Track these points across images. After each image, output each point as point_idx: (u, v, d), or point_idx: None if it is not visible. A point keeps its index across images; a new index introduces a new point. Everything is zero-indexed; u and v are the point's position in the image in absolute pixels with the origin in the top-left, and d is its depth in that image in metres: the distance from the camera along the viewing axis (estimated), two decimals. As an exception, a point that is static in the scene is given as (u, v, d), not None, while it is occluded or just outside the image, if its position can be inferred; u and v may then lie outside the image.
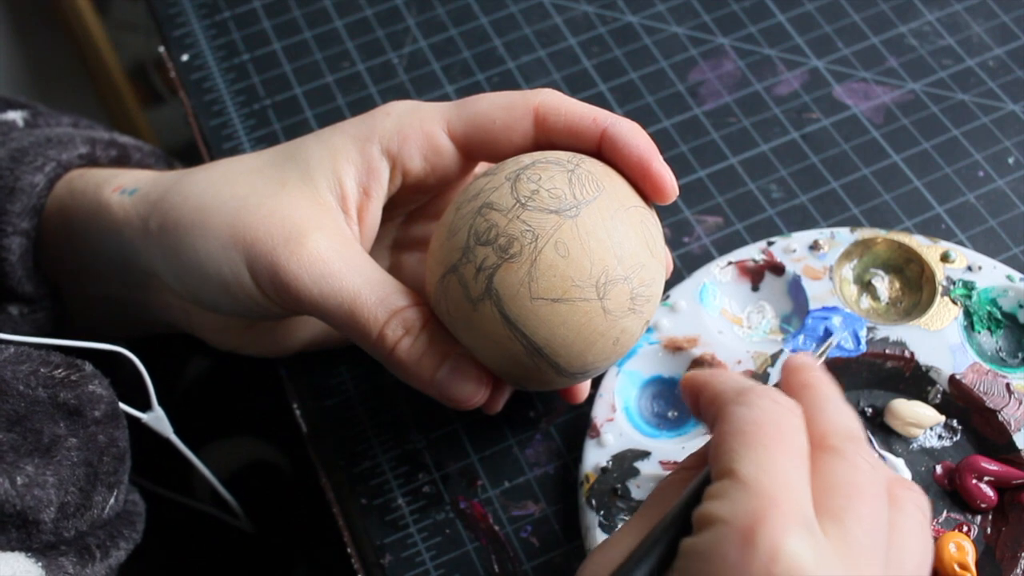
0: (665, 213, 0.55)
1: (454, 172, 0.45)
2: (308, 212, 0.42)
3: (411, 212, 0.49)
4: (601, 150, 0.42)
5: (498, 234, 0.39)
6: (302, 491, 0.60)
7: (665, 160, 0.53)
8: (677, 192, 0.42)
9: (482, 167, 0.48)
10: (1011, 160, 0.56)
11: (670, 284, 0.50)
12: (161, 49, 0.64)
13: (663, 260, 0.42)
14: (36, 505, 0.39)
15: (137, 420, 0.46)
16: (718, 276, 0.51)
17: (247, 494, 0.55)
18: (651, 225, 0.41)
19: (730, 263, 0.51)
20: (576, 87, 0.60)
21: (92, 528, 0.42)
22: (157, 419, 0.46)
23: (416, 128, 0.43)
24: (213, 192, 0.44)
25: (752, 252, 0.51)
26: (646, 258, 0.40)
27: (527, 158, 0.41)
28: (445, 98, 0.60)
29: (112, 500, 0.43)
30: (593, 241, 0.39)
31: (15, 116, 0.54)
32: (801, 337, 0.49)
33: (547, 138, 0.43)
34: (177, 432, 0.48)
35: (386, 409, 0.51)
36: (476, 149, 0.44)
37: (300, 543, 0.59)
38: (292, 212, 0.42)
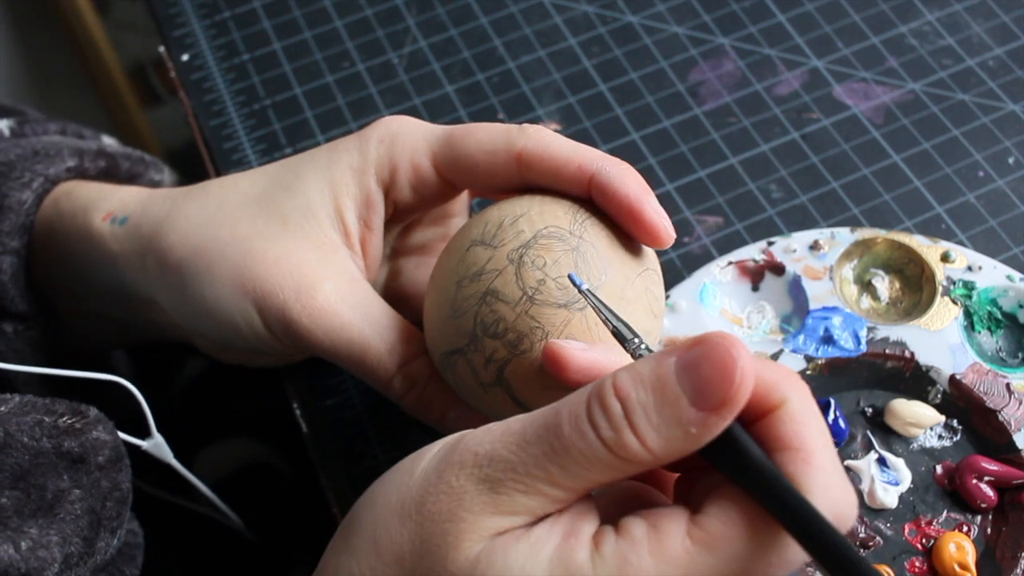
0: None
1: (442, 197, 0.45)
2: (315, 258, 0.42)
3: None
4: (591, 197, 0.40)
5: (507, 329, 0.38)
6: (302, 492, 0.60)
7: (665, 161, 0.53)
8: (673, 237, 0.40)
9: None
10: (1011, 160, 0.56)
11: (670, 284, 0.50)
12: (161, 49, 0.64)
13: (663, 315, 0.42)
14: (40, 566, 0.38)
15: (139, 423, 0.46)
16: (718, 276, 0.51)
17: (246, 496, 0.55)
18: (654, 287, 0.41)
19: (730, 263, 0.51)
20: (576, 87, 0.60)
21: (95, 573, 0.42)
22: (157, 446, 0.46)
23: (406, 159, 0.43)
24: (212, 232, 0.43)
25: (752, 252, 0.51)
26: (649, 324, 0.40)
27: (526, 227, 0.39)
28: (445, 99, 0.60)
29: (115, 541, 0.43)
30: (602, 331, 0.38)
31: (1, 125, 0.53)
32: (801, 337, 0.49)
33: (532, 181, 0.41)
34: (175, 433, 0.48)
35: (386, 409, 0.51)
36: (461, 184, 0.44)
37: (300, 544, 0.59)
38: (300, 260, 0.42)
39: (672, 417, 0.29)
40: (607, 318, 0.36)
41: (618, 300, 0.39)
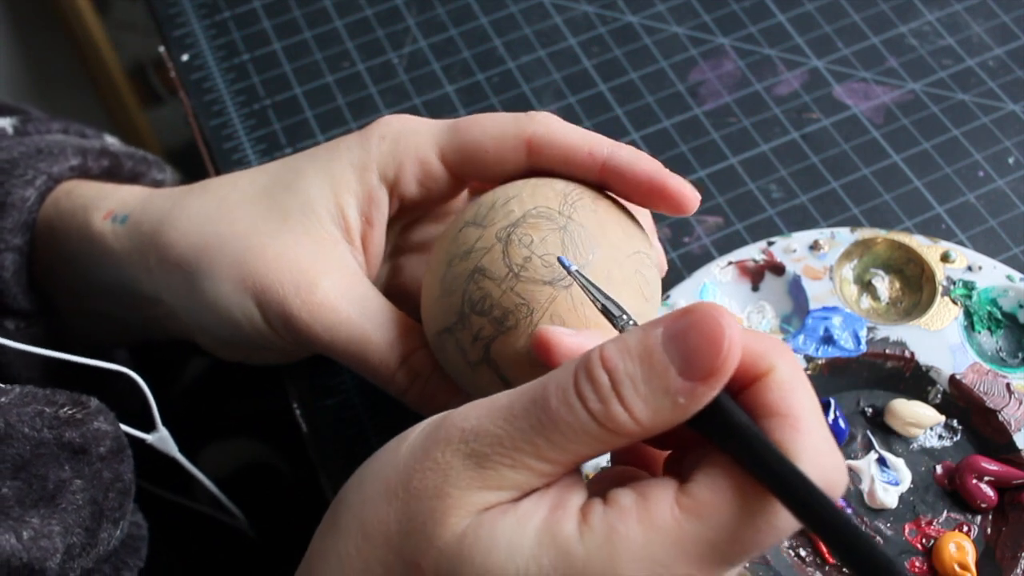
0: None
1: (448, 193, 0.45)
2: (315, 254, 0.42)
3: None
4: (604, 181, 0.41)
5: (492, 305, 0.39)
6: (302, 492, 0.60)
7: (665, 161, 0.53)
8: (699, 199, 0.40)
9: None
10: (1011, 160, 0.56)
11: (670, 284, 0.50)
12: (161, 49, 0.64)
13: (658, 301, 0.42)
14: (42, 556, 0.38)
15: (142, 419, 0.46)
16: (718, 276, 0.51)
17: (246, 496, 0.55)
18: (646, 270, 0.41)
19: (730, 263, 0.51)
20: (576, 87, 0.60)
21: (98, 564, 0.42)
22: (162, 439, 0.46)
23: (411, 154, 0.43)
24: (212, 228, 0.43)
25: (752, 252, 0.51)
26: (640, 307, 0.40)
27: (517, 207, 0.40)
28: (445, 99, 0.60)
29: (117, 532, 0.43)
30: (589, 308, 0.38)
31: (4, 123, 0.53)
32: (801, 337, 0.49)
33: (541, 167, 0.42)
34: (176, 432, 0.48)
35: (386, 409, 0.51)
36: (469, 175, 0.44)
37: (300, 544, 0.59)
38: (299, 255, 0.42)
39: (660, 387, 0.29)
40: (594, 296, 0.35)
41: (605, 280, 0.39)
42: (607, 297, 0.35)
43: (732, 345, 0.29)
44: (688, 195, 0.40)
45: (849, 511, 0.46)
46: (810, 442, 0.30)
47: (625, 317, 0.34)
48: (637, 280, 0.40)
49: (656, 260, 0.42)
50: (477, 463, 0.30)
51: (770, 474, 0.29)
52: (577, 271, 0.37)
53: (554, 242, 0.39)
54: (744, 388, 0.31)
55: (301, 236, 0.42)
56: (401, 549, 0.31)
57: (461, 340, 0.40)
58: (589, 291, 0.36)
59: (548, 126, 0.41)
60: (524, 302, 0.38)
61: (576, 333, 0.36)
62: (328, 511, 0.34)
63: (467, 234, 0.40)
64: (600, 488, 0.32)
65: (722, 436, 0.30)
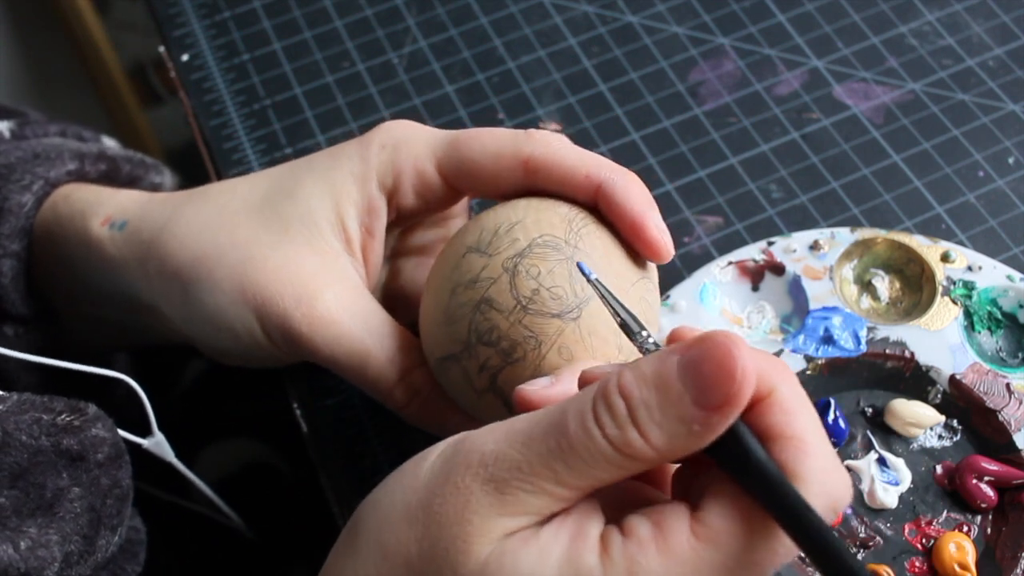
0: (665, 213, 0.55)
1: (445, 202, 0.45)
2: (315, 266, 0.42)
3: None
4: (597, 205, 0.41)
5: (500, 337, 0.39)
6: (302, 492, 0.60)
7: (665, 161, 0.53)
8: (672, 253, 0.41)
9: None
10: (1011, 160, 0.56)
11: (670, 284, 0.50)
12: (161, 49, 0.64)
13: (658, 324, 0.42)
14: (40, 565, 0.38)
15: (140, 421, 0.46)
16: (718, 276, 0.51)
17: (246, 496, 0.55)
18: (649, 294, 0.41)
19: (730, 263, 0.51)
20: (576, 87, 0.60)
21: (96, 571, 0.42)
22: (158, 444, 0.46)
23: (409, 164, 0.43)
24: (210, 238, 0.43)
25: (752, 252, 0.51)
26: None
27: (521, 235, 0.39)
28: (445, 99, 0.60)
29: (115, 539, 0.42)
30: (596, 339, 0.38)
31: (1, 127, 0.53)
32: (801, 337, 0.49)
33: (538, 187, 0.42)
34: (176, 433, 0.48)
35: (386, 409, 0.51)
36: (465, 189, 0.44)
37: (300, 544, 0.59)
38: (300, 268, 0.42)
39: (675, 415, 0.30)
40: (615, 310, 0.35)
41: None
42: (627, 311, 0.35)
43: (745, 375, 0.29)
44: (662, 247, 0.40)
45: (849, 511, 0.46)
46: (816, 463, 0.30)
47: (645, 333, 0.34)
48: (642, 307, 0.40)
49: (656, 281, 0.42)
50: (496, 488, 0.30)
51: (783, 513, 0.29)
52: (596, 279, 0.36)
53: (562, 273, 0.39)
54: (746, 411, 0.31)
55: (303, 247, 0.42)
56: (423, 573, 0.31)
57: (467, 368, 0.39)
58: (609, 303, 0.36)
59: (547, 147, 0.41)
60: (532, 335, 0.38)
61: (554, 383, 0.36)
62: (344, 531, 0.34)
63: (471, 261, 0.40)
64: (607, 503, 0.32)
65: (736, 467, 0.30)
